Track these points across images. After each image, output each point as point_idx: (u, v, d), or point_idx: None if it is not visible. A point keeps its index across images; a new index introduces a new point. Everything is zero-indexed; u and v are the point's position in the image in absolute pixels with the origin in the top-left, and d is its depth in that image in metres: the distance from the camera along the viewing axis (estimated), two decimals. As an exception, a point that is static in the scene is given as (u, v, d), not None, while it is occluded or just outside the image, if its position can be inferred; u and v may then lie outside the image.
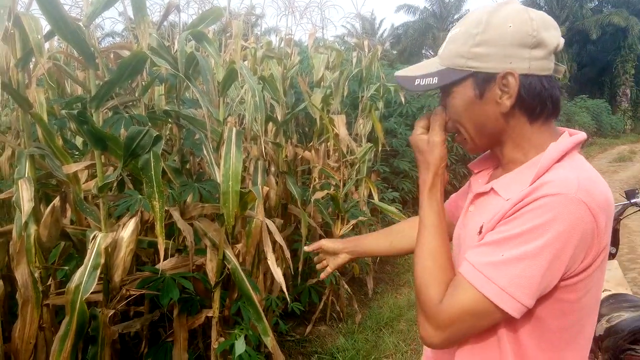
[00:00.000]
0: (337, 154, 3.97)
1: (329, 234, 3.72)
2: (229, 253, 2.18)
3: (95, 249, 1.80)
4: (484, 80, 0.91)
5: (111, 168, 2.44)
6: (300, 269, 3.33)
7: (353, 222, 3.74)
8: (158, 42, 2.12)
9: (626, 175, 11.63)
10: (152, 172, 1.78)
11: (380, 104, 4.52)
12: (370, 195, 4.19)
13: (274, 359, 2.26)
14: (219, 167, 2.07)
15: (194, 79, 2.19)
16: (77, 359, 1.83)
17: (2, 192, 2.09)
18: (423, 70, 0.98)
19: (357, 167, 4.03)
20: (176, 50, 2.05)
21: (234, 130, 2.11)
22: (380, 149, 4.39)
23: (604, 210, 0.84)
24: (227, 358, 2.26)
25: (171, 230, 2.40)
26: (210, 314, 2.24)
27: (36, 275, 1.87)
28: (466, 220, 1.04)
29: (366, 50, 4.34)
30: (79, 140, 2.66)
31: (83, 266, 1.77)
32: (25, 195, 1.78)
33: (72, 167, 1.90)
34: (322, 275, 1.45)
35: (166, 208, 2.11)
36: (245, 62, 3.04)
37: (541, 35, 0.87)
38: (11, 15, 1.59)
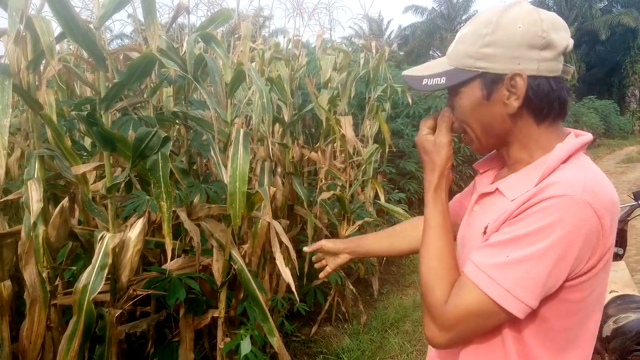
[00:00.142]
0: (343, 155, 3.98)
1: (335, 235, 3.73)
2: (235, 254, 2.19)
3: (102, 249, 1.81)
4: (492, 81, 0.91)
5: (119, 169, 2.46)
6: (305, 270, 3.34)
7: (359, 223, 3.74)
8: (167, 44, 2.13)
9: (634, 177, 11.55)
10: (160, 173, 1.79)
11: (387, 105, 4.52)
12: (376, 196, 4.19)
13: (279, 359, 2.27)
14: (226, 168, 2.09)
15: (202, 81, 2.20)
16: (84, 358, 1.85)
17: (11, 192, 2.11)
18: (431, 70, 0.98)
19: (363, 168, 4.04)
20: (184, 52, 2.06)
21: (242, 131, 2.12)
22: (386, 150, 4.39)
23: (609, 211, 0.84)
24: (233, 358, 2.27)
25: (178, 231, 2.41)
26: (216, 314, 2.25)
27: (44, 275, 1.89)
28: (471, 220, 1.04)
29: (373, 51, 4.34)
30: (87, 141, 2.68)
31: (91, 266, 1.78)
32: (34, 195, 1.80)
33: (80, 168, 1.92)
34: (321, 275, 1.45)
35: (173, 209, 2.12)
36: (253, 64, 3.06)
37: (551, 36, 0.87)
38: (23, 17, 1.61)
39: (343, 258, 1.41)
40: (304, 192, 3.29)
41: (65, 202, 1.94)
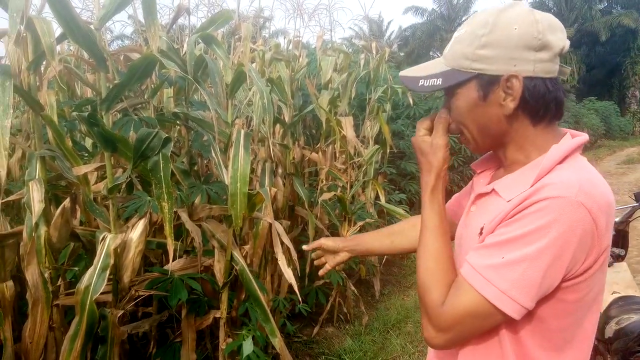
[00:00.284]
0: (344, 156, 3.98)
1: (335, 236, 3.72)
2: (237, 254, 2.20)
3: (104, 249, 1.81)
4: (488, 83, 0.91)
5: (120, 170, 2.47)
6: (307, 271, 3.34)
7: (360, 223, 3.74)
8: (168, 44, 2.14)
9: (635, 178, 11.54)
10: (161, 174, 1.80)
11: (388, 106, 4.52)
12: (377, 197, 4.19)
13: (281, 359, 2.27)
14: (227, 169, 2.09)
15: (203, 82, 2.20)
16: (86, 358, 1.85)
17: (12, 193, 2.11)
18: (428, 71, 0.98)
19: (364, 169, 4.04)
20: (185, 53, 2.06)
21: (242, 132, 2.12)
22: (387, 150, 4.39)
23: (604, 212, 0.84)
24: (234, 359, 2.27)
25: (179, 232, 2.41)
26: (218, 315, 2.25)
27: (46, 275, 1.89)
28: (468, 220, 1.04)
29: (374, 52, 4.35)
30: (88, 142, 2.68)
31: (92, 267, 1.79)
32: (35, 196, 1.80)
33: (82, 169, 1.92)
34: (321, 272, 1.45)
35: (175, 209, 2.12)
36: (254, 65, 3.06)
37: (547, 37, 0.87)
38: (24, 18, 1.61)
39: (342, 256, 1.41)
40: (305, 193, 3.29)
41: (66, 202, 1.94)
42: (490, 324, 0.87)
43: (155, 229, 2.44)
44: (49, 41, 1.61)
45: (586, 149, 17.10)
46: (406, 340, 3.50)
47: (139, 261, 1.97)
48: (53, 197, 2.11)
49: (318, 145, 3.96)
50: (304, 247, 1.48)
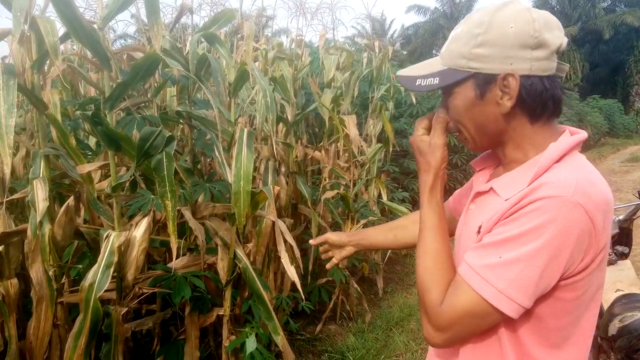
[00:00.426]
0: (347, 154, 3.98)
1: (339, 234, 3.72)
2: (240, 252, 2.20)
3: (108, 247, 1.83)
4: (484, 81, 0.91)
5: (124, 168, 2.47)
6: (310, 269, 3.34)
7: (363, 221, 3.75)
8: (171, 43, 2.14)
9: (639, 175, 11.50)
10: (165, 172, 1.80)
11: (391, 105, 4.52)
12: (380, 195, 4.20)
13: (284, 357, 2.27)
14: (230, 167, 2.09)
15: (206, 80, 2.21)
16: (90, 356, 1.86)
17: (16, 191, 2.13)
18: (425, 70, 0.98)
19: (367, 167, 4.04)
20: (188, 52, 2.07)
21: (245, 130, 2.12)
22: (390, 149, 4.40)
23: (602, 211, 0.84)
24: (238, 356, 2.27)
25: (183, 230, 2.42)
26: (221, 313, 2.26)
27: (50, 273, 1.90)
28: (467, 218, 1.05)
29: (377, 50, 4.35)
30: (92, 141, 2.69)
31: (97, 264, 1.80)
32: (40, 194, 1.81)
33: (85, 167, 1.93)
34: (328, 266, 1.47)
35: (178, 207, 2.13)
36: (257, 63, 3.07)
37: (543, 36, 0.87)
38: (27, 17, 1.62)
39: (348, 250, 1.43)
40: (307, 191, 3.30)
41: (70, 201, 1.95)
42: (488, 323, 0.87)
43: (158, 227, 2.45)
44: (52, 40, 1.62)
45: (590, 147, 17.08)
46: (409, 338, 3.51)
47: (142, 259, 1.98)
48: (57, 195, 2.13)
49: (321, 144, 3.96)
50: (311, 241, 1.50)
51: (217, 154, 2.23)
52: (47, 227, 1.87)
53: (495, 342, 0.93)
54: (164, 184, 1.79)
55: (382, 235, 1.42)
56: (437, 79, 0.95)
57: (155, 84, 2.39)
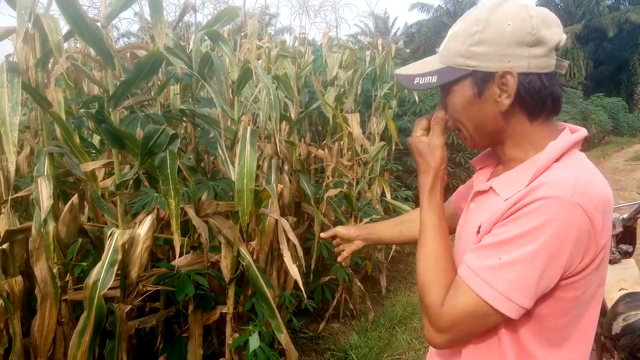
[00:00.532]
0: (350, 153, 3.98)
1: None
2: (243, 250, 2.21)
3: (112, 245, 1.83)
4: (482, 80, 0.91)
5: (127, 166, 2.48)
6: (312, 267, 3.35)
7: (366, 220, 3.74)
8: (174, 42, 2.14)
9: (643, 174, 11.47)
10: (168, 170, 1.81)
11: (394, 103, 4.51)
12: (383, 194, 4.20)
13: (287, 355, 2.28)
14: (233, 166, 2.09)
15: (209, 78, 2.21)
16: (94, 353, 1.86)
17: (21, 189, 2.13)
18: (423, 69, 0.98)
19: (370, 165, 4.04)
20: (191, 50, 2.07)
21: (249, 128, 2.13)
22: (393, 147, 4.39)
23: (601, 210, 0.84)
24: (241, 354, 2.28)
25: (186, 228, 2.43)
26: (224, 310, 2.27)
27: (55, 271, 1.91)
28: (467, 217, 1.05)
29: (380, 49, 4.35)
30: (95, 139, 2.70)
31: (101, 262, 1.80)
32: (44, 192, 1.82)
33: (89, 165, 1.94)
34: (339, 259, 1.48)
35: (181, 205, 2.13)
36: (260, 62, 3.07)
37: (541, 33, 0.86)
38: (32, 16, 1.63)
39: (357, 244, 1.44)
40: (311, 190, 3.30)
41: (74, 199, 1.95)
42: (489, 324, 0.87)
43: (162, 225, 2.45)
44: (56, 39, 1.62)
45: (594, 145, 17.04)
46: (412, 336, 3.51)
47: (146, 257, 1.98)
48: (61, 193, 2.13)
49: (324, 142, 3.96)
50: (321, 234, 1.51)
51: (220, 152, 2.24)
52: (51, 225, 1.87)
53: (495, 342, 0.93)
54: (167, 182, 1.80)
55: (389, 229, 1.43)
56: (435, 77, 0.95)
57: (159, 82, 2.40)
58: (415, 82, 0.98)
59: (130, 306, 2.00)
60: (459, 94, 0.94)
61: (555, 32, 0.88)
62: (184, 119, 2.43)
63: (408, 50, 26.05)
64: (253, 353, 2.13)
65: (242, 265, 2.21)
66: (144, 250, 1.96)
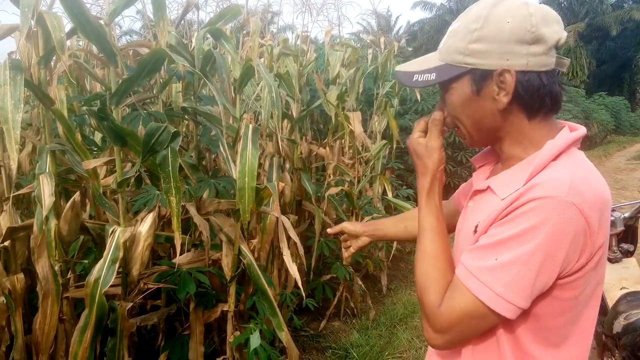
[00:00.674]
0: (351, 151, 3.98)
1: (343, 231, 3.72)
2: (245, 248, 2.21)
3: (114, 243, 1.83)
4: (481, 77, 0.90)
5: (129, 164, 2.48)
6: (313, 265, 3.35)
7: (367, 218, 3.74)
8: (177, 39, 2.14)
9: (645, 174, 11.45)
10: (170, 168, 1.81)
11: (396, 101, 4.51)
12: (384, 192, 4.19)
13: (288, 353, 2.28)
14: (235, 164, 2.09)
15: (212, 76, 2.21)
16: (95, 350, 1.87)
17: (22, 187, 2.14)
18: (422, 66, 0.98)
19: (371, 164, 4.04)
20: (194, 48, 2.07)
21: (250, 126, 2.13)
22: (395, 146, 4.39)
23: (597, 210, 0.83)
24: (242, 352, 2.28)
25: (188, 226, 2.43)
26: (225, 308, 2.27)
27: (56, 268, 1.91)
28: (465, 215, 1.05)
29: (382, 47, 4.34)
30: (97, 137, 2.70)
31: (102, 260, 1.80)
32: (46, 190, 1.82)
33: (91, 163, 1.94)
34: (346, 255, 1.47)
35: (183, 203, 2.14)
36: (262, 59, 3.07)
37: (540, 31, 0.86)
38: (35, 13, 1.63)
39: (363, 240, 1.43)
40: (312, 188, 3.30)
41: (76, 196, 1.96)
42: (487, 324, 0.88)
43: (163, 222, 2.46)
44: (59, 36, 1.62)
45: (596, 144, 17.00)
46: (413, 335, 3.51)
47: (147, 254, 1.99)
48: (63, 190, 2.14)
49: (325, 140, 3.96)
50: (328, 230, 1.51)
51: (222, 150, 2.24)
52: (53, 223, 1.88)
53: (494, 342, 0.93)
54: (168, 180, 1.80)
55: (394, 226, 1.43)
56: (434, 74, 0.95)
57: (161, 80, 2.40)
58: (414, 79, 0.98)
59: (132, 304, 2.00)
60: (458, 91, 0.94)
61: (555, 30, 0.88)
62: (186, 116, 2.43)
63: (410, 49, 26.00)
64: (254, 351, 2.14)
65: (243, 264, 2.21)
66: (146, 248, 1.96)
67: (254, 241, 2.54)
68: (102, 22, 1.78)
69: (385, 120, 4.25)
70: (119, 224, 1.92)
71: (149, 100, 2.36)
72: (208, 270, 2.25)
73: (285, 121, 3.46)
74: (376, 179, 4.17)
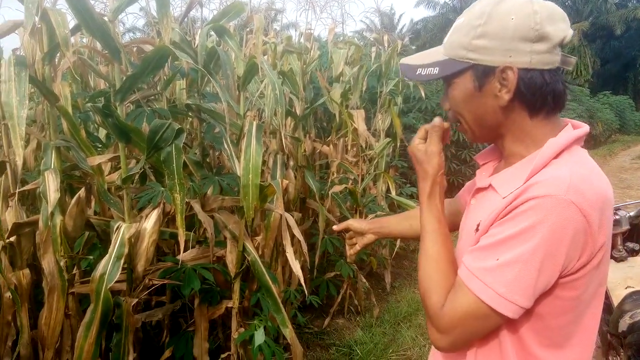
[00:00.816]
0: (355, 149, 3.98)
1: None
2: (249, 245, 2.21)
3: (119, 239, 1.84)
4: (483, 73, 0.90)
5: (133, 160, 2.49)
6: (317, 263, 3.35)
7: (371, 216, 3.74)
8: (180, 36, 2.15)
9: (650, 173, 11.40)
10: (174, 165, 1.81)
11: (399, 99, 4.51)
12: (388, 190, 4.19)
13: (292, 350, 2.28)
14: (239, 161, 2.10)
15: (215, 74, 2.21)
16: (101, 346, 1.88)
17: (27, 183, 2.15)
18: (426, 60, 0.98)
19: (375, 161, 4.04)
20: (197, 45, 2.07)
21: (254, 124, 2.13)
22: (398, 144, 4.39)
23: (597, 209, 0.83)
24: (246, 348, 2.29)
25: (192, 222, 2.43)
26: (230, 305, 2.27)
27: (62, 264, 1.92)
28: (468, 213, 1.05)
29: (385, 45, 4.34)
30: (102, 133, 2.71)
31: (107, 256, 1.81)
32: (51, 186, 1.83)
33: (96, 159, 1.94)
34: (352, 252, 1.47)
35: (187, 200, 2.14)
36: (265, 57, 3.07)
37: (545, 28, 0.85)
38: (39, 9, 1.63)
39: (369, 237, 1.43)
40: (316, 185, 3.30)
41: (81, 192, 1.97)
42: (490, 324, 0.87)
43: (168, 219, 2.46)
44: (63, 32, 1.63)
45: (600, 144, 16.93)
46: (417, 333, 3.51)
47: (152, 251, 1.99)
48: (68, 187, 2.14)
49: (329, 138, 3.96)
50: (334, 227, 1.51)
51: (226, 147, 2.24)
52: (58, 219, 1.89)
53: (496, 344, 0.93)
54: (172, 176, 1.80)
55: (399, 224, 1.43)
56: (437, 68, 0.95)
57: (165, 77, 2.40)
58: (418, 72, 0.98)
59: (137, 300, 2.01)
60: (460, 86, 0.94)
61: (561, 28, 0.87)
62: (190, 113, 2.43)
63: (414, 47, 25.92)
64: (258, 347, 2.14)
65: (248, 260, 2.22)
66: (150, 244, 1.97)
67: (258, 238, 2.55)
68: (106, 18, 1.79)
69: (388, 118, 4.25)
70: (123, 220, 1.93)
71: (153, 97, 2.36)
72: (212, 267, 2.25)
73: (289, 119, 3.46)
74: (380, 177, 4.17)
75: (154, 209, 2.04)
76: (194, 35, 2.88)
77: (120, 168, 1.99)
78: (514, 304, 0.82)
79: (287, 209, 3.05)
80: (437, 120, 1.02)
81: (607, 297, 2.35)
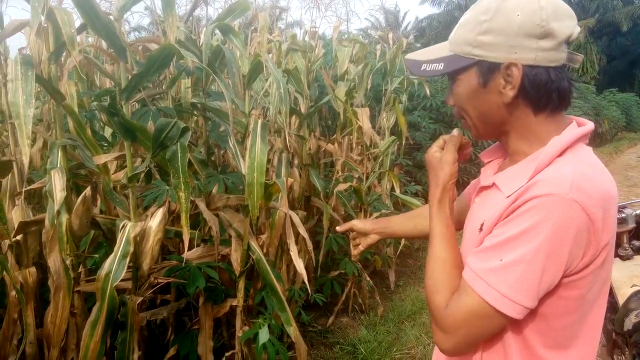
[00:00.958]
0: (360, 147, 3.97)
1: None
2: (254, 244, 2.21)
3: (124, 237, 1.85)
4: (488, 70, 0.90)
5: (139, 159, 2.49)
6: (321, 261, 3.35)
7: (375, 214, 3.74)
8: (186, 35, 2.15)
9: (656, 171, 11.33)
10: (179, 164, 1.81)
11: (404, 97, 4.50)
12: (392, 189, 4.19)
13: (296, 348, 2.29)
14: (244, 159, 2.10)
15: (220, 72, 2.21)
16: (106, 344, 1.88)
17: (34, 182, 2.16)
18: (431, 55, 0.98)
19: (380, 160, 4.03)
20: (202, 43, 2.08)
21: (260, 122, 2.13)
22: (403, 142, 4.39)
23: (601, 207, 0.82)
24: (250, 346, 2.29)
25: (197, 221, 2.44)
26: (234, 303, 2.28)
27: (68, 262, 1.93)
28: (472, 212, 1.05)
29: (390, 43, 4.32)
30: (107, 132, 2.72)
31: (113, 254, 1.82)
32: (57, 184, 1.84)
33: (102, 158, 1.95)
34: (355, 252, 1.47)
35: (192, 199, 2.15)
36: (270, 55, 3.07)
37: (550, 25, 0.85)
38: (45, 9, 1.64)
39: (373, 238, 1.44)
40: (320, 184, 3.30)
41: (87, 191, 1.97)
42: (494, 325, 0.87)
43: (173, 217, 2.47)
44: (69, 32, 1.63)
45: (606, 141, 16.84)
46: (421, 331, 3.51)
47: (157, 249, 2.00)
48: (74, 185, 2.15)
49: (334, 136, 3.96)
50: (337, 227, 1.51)
51: (231, 145, 2.24)
52: (64, 217, 1.89)
53: (501, 346, 0.93)
54: (178, 175, 1.81)
55: (403, 224, 1.43)
56: (442, 64, 0.95)
57: (170, 76, 2.40)
58: (422, 68, 0.98)
59: (142, 298, 2.02)
60: (465, 82, 0.94)
61: (567, 25, 0.87)
62: (195, 112, 2.44)
63: (419, 45, 25.85)
64: (262, 346, 2.14)
65: (252, 259, 2.22)
66: (156, 242, 1.97)
67: (263, 237, 2.55)
68: (111, 17, 1.79)
69: (393, 117, 4.24)
70: (129, 219, 1.94)
71: (158, 95, 2.36)
72: (217, 265, 2.26)
73: (294, 117, 3.46)
74: (385, 175, 4.16)
75: (159, 207, 2.05)
76: (199, 33, 2.88)
77: (125, 167, 1.99)
78: (518, 305, 0.82)
79: (292, 207, 3.05)
80: (455, 131, 1.04)
81: (613, 295, 2.34)
